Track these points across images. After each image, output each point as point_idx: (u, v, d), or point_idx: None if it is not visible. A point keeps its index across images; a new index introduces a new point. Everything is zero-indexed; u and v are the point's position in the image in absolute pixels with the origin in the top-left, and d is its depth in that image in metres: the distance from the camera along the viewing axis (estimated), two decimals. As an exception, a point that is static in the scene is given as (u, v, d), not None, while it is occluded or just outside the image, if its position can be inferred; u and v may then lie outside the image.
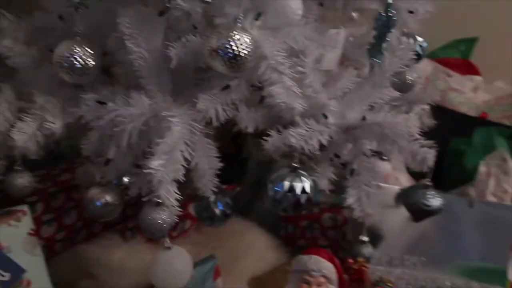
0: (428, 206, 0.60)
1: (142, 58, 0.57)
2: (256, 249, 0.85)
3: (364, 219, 0.63)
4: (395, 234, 0.75)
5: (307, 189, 0.56)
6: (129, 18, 0.56)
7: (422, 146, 0.58)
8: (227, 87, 0.56)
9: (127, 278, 0.75)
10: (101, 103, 0.59)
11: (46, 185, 0.83)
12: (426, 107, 0.84)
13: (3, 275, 0.53)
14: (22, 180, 0.63)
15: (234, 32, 0.51)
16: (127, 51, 0.57)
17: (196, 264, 0.70)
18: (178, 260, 0.55)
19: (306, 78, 0.60)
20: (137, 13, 0.57)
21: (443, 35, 1.12)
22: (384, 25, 0.65)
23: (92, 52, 0.60)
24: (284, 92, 0.54)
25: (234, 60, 0.51)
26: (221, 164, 0.62)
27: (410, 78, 0.67)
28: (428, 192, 0.61)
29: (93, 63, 0.60)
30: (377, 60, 0.63)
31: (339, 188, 0.68)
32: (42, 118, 0.63)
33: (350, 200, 0.63)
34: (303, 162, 0.59)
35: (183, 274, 0.55)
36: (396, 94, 0.62)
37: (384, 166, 0.78)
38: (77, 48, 0.59)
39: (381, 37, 0.65)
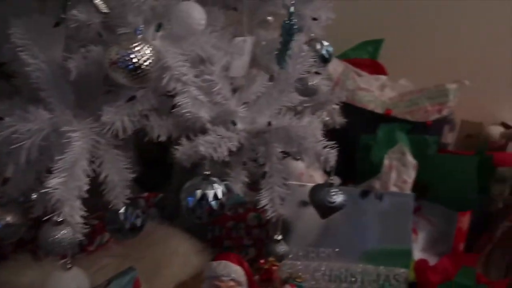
0: (332, 203, 0.64)
1: (40, 70, 0.54)
2: (180, 255, 0.84)
3: (277, 219, 0.65)
4: (310, 229, 0.79)
5: (219, 195, 0.57)
6: (23, 28, 0.54)
7: (325, 147, 0.61)
8: (132, 98, 0.56)
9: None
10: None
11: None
12: (336, 106, 0.90)
13: None
14: None
15: (134, 43, 0.50)
16: (22, 62, 0.54)
17: (112, 279, 0.69)
18: (72, 282, 0.53)
19: (214, 86, 0.61)
20: (32, 23, 0.55)
21: (354, 37, 1.19)
22: (287, 32, 0.68)
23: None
24: (189, 102, 0.54)
25: (135, 72, 0.50)
26: (132, 176, 0.61)
27: (312, 83, 0.70)
28: (331, 190, 0.65)
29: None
30: (282, 67, 0.66)
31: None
32: None
33: (263, 201, 0.65)
34: (216, 168, 0.61)
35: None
36: (300, 98, 0.65)
37: (298, 166, 0.82)
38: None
39: (285, 43, 0.68)
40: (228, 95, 0.63)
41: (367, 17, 1.22)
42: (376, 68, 1.17)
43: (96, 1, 0.50)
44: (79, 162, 0.49)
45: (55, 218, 0.49)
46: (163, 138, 0.65)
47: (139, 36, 0.51)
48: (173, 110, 0.55)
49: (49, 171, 0.52)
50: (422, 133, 0.99)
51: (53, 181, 0.46)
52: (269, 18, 0.80)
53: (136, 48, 0.50)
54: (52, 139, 0.52)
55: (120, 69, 0.50)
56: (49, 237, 0.49)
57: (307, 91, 0.69)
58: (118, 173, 0.59)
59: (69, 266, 0.53)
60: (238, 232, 0.97)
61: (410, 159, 0.87)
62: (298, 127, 0.60)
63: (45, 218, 0.50)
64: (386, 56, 1.21)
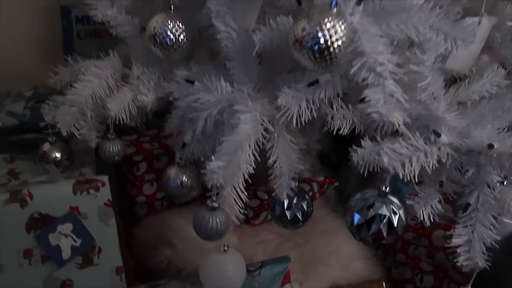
0: None
1: (229, 39, 0.51)
2: (342, 257, 0.76)
3: (472, 270, 0.49)
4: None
5: (395, 222, 0.45)
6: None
7: None
8: (315, 82, 0.47)
9: (203, 254, 0.76)
10: (189, 81, 0.56)
11: (152, 146, 0.87)
12: None
13: (75, 241, 0.57)
14: (114, 147, 0.66)
15: (326, 19, 0.41)
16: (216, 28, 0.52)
17: (266, 263, 0.66)
18: (230, 264, 0.51)
19: (421, 80, 0.47)
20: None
21: None
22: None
23: (183, 27, 0.57)
24: (381, 99, 0.42)
25: (321, 55, 0.41)
26: (302, 167, 0.54)
27: None
28: None
29: (185, 39, 0.57)
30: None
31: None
32: (137, 89, 0.63)
33: (457, 240, 0.49)
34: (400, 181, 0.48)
35: (233, 279, 0.51)
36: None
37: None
38: (169, 23, 0.56)
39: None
40: (437, 94, 0.48)
41: None
42: None
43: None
44: (243, 146, 0.45)
45: (210, 203, 0.46)
46: (345, 131, 0.55)
47: (334, 10, 0.42)
48: (359, 105, 0.44)
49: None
50: None
51: (214, 164, 0.43)
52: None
53: (327, 25, 0.41)
54: (225, 115, 0.49)
55: (305, 49, 0.42)
56: (204, 222, 0.48)
57: None
58: (287, 161, 0.54)
59: (225, 248, 0.51)
60: (417, 249, 0.82)
61: None
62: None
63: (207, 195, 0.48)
64: None
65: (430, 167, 0.45)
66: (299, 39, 0.42)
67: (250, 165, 0.46)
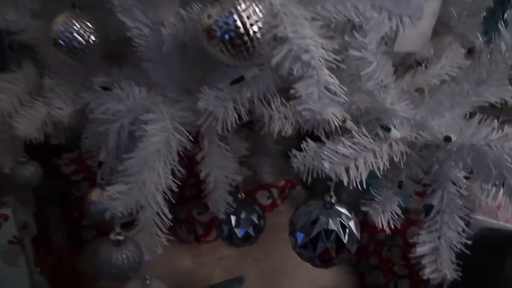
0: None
1: (141, 36, 0.43)
2: (309, 268, 0.69)
3: (441, 283, 0.42)
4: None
5: (344, 238, 0.38)
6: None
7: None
8: (240, 79, 0.40)
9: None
10: (105, 89, 0.48)
11: (92, 163, 0.79)
12: None
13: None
14: (26, 171, 0.57)
15: (240, 1, 0.34)
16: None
17: (220, 286, 0.58)
18: None
19: (365, 67, 0.40)
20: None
21: None
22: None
23: (93, 27, 0.49)
24: (314, 93, 0.35)
25: (235, 45, 0.34)
26: (240, 178, 0.47)
27: None
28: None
29: (97, 40, 0.49)
30: (491, 41, 0.40)
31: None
32: (51, 103, 0.55)
33: (421, 249, 0.42)
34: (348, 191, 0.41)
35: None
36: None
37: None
38: (74, 23, 0.48)
39: (501, 2, 0.41)
40: (386, 82, 0.41)
41: None
42: None
43: None
44: (151, 164, 0.37)
45: (114, 236, 0.39)
46: (287, 133, 0.48)
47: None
48: (290, 102, 0.37)
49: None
50: None
51: (113, 188, 0.35)
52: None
53: (239, 8, 0.33)
54: (138, 126, 0.41)
55: (215, 39, 0.34)
56: (107, 260, 0.39)
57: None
58: (222, 173, 0.46)
59: (147, 282, 0.43)
60: (391, 251, 0.75)
61: None
62: (503, 151, 0.34)
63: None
64: None
65: (381, 169, 0.38)
66: (207, 28, 0.34)
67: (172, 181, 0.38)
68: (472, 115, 0.42)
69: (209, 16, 0.34)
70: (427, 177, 0.43)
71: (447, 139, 0.37)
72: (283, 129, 0.47)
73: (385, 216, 0.44)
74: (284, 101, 0.46)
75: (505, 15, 0.40)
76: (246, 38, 0.34)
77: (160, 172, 0.37)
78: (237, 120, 0.40)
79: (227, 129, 0.40)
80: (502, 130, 0.37)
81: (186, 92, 0.45)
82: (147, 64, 0.45)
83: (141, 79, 0.45)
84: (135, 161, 0.36)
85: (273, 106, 0.46)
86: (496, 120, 0.38)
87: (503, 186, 0.37)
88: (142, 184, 0.35)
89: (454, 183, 0.42)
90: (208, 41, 0.35)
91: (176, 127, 0.39)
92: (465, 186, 0.43)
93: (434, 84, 0.48)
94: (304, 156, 0.40)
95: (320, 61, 0.35)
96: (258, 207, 0.53)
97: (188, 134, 0.40)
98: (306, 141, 0.40)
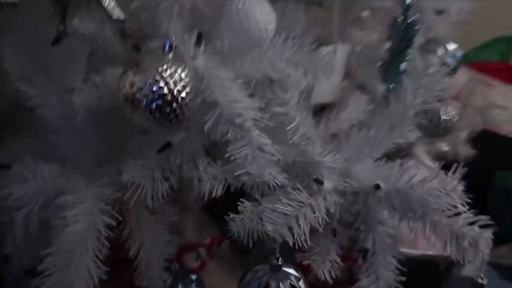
0: None
1: (46, 106, 0.39)
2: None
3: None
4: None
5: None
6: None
7: (471, 223, 0.38)
8: (167, 145, 0.38)
9: None
10: (2, 167, 0.41)
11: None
12: (463, 133, 0.64)
13: None
14: None
15: (163, 66, 0.32)
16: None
17: None
18: None
19: (290, 122, 0.40)
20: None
21: (480, 32, 0.89)
22: (402, 35, 0.45)
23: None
24: (249, 156, 0.34)
25: (163, 113, 0.32)
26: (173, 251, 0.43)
27: (446, 117, 0.46)
28: None
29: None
30: (392, 88, 0.44)
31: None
32: None
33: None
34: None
35: None
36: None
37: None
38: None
39: (397, 52, 0.45)
40: (309, 134, 0.42)
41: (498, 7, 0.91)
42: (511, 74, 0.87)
43: (107, 2, 0.32)
44: (77, 258, 0.31)
45: None
46: (218, 193, 0.46)
47: (170, 55, 0.33)
48: (225, 167, 0.36)
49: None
50: None
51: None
52: (364, 13, 0.58)
53: (164, 74, 0.32)
54: (52, 210, 0.36)
55: (139, 108, 0.32)
56: None
57: (436, 130, 0.45)
58: (155, 248, 0.42)
59: None
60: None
61: None
62: (424, 192, 0.37)
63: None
64: None
65: (321, 222, 0.38)
66: (130, 97, 0.32)
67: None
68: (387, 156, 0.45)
69: (131, 84, 0.31)
70: (358, 222, 0.45)
71: (377, 187, 0.39)
72: (213, 190, 0.45)
73: (325, 266, 0.44)
74: (212, 161, 0.45)
75: (402, 66, 0.45)
76: (175, 105, 0.32)
77: (91, 267, 0.31)
78: (167, 190, 0.38)
79: (158, 200, 0.37)
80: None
81: (105, 163, 0.41)
82: (55, 136, 0.40)
83: (50, 153, 0.40)
84: (57, 257, 0.31)
85: (200, 168, 0.44)
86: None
87: (426, 223, 0.40)
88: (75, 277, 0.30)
89: (382, 224, 0.44)
90: (132, 110, 0.32)
91: (101, 208, 0.34)
92: (392, 226, 0.45)
93: (345, 129, 0.51)
94: (243, 219, 0.38)
95: (252, 123, 0.34)
96: (194, 275, 0.49)
97: (115, 213, 0.35)
98: (242, 202, 0.39)
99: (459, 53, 0.57)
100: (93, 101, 0.36)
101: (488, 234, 0.38)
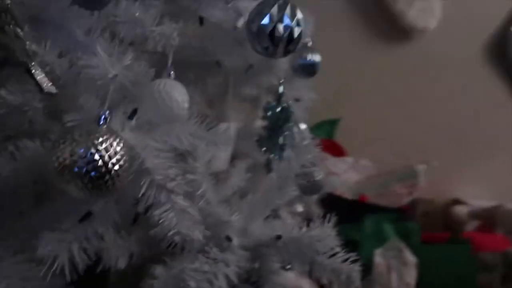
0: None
1: None
2: None
3: None
4: None
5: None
6: None
7: (345, 261, 0.48)
8: (88, 215, 0.38)
9: None
10: None
11: None
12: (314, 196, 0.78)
13: None
14: None
15: (99, 137, 0.34)
16: None
17: None
18: None
19: (198, 188, 0.45)
20: None
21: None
22: (278, 117, 0.56)
23: None
24: (173, 218, 0.37)
25: (100, 181, 0.33)
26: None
27: (318, 176, 0.58)
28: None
29: None
30: (276, 156, 0.53)
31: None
32: None
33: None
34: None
35: None
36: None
37: (289, 276, 0.67)
38: None
39: (275, 129, 0.56)
40: (213, 199, 0.47)
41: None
42: (335, 149, 1.10)
43: (40, 76, 0.33)
44: None
45: None
46: (121, 265, 0.46)
47: (104, 127, 0.35)
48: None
49: None
50: (400, 220, 0.90)
51: None
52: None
53: (102, 145, 0.34)
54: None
55: (78, 177, 0.32)
56: None
57: (313, 187, 0.56)
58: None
59: None
60: None
61: (410, 257, 0.76)
62: (312, 239, 0.46)
63: None
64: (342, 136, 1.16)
65: (235, 278, 0.43)
66: (67, 166, 0.32)
67: None
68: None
69: (72, 154, 0.32)
70: (254, 275, 0.50)
71: (279, 237, 0.46)
72: (117, 261, 0.45)
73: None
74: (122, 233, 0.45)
75: (280, 140, 0.55)
76: (112, 173, 0.34)
77: None
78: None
79: (78, 275, 0.36)
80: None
81: (21, 238, 0.37)
82: None
83: None
84: None
85: (106, 239, 0.44)
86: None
87: (314, 263, 0.49)
88: None
89: (274, 274, 0.51)
90: (68, 178, 0.32)
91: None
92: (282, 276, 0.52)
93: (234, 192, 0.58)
94: (161, 282, 0.40)
95: (179, 188, 0.38)
96: None
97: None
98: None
99: (308, 134, 0.72)
100: (9, 179, 0.34)
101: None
